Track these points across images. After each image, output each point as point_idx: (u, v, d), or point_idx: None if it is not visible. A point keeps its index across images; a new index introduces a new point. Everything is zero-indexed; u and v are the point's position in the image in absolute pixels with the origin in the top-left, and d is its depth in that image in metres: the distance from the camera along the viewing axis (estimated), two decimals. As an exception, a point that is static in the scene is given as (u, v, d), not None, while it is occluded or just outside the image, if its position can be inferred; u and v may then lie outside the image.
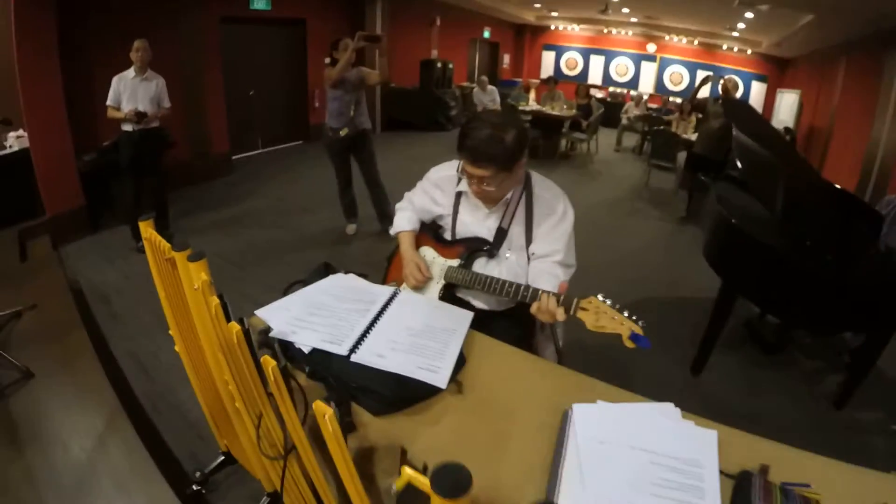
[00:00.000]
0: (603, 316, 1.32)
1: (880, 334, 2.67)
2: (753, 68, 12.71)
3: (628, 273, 4.47)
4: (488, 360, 1.39)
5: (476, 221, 1.73)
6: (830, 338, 3.49)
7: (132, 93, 3.87)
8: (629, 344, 1.28)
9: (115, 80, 3.85)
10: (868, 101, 6.47)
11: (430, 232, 1.86)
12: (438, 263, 1.75)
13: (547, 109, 8.99)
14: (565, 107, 9.16)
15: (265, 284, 3.65)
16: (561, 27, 15.20)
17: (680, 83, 14.08)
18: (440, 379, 1.21)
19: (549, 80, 9.90)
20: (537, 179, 1.70)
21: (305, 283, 1.59)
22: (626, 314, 1.31)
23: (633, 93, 13.79)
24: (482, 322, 1.56)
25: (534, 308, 1.40)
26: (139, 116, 3.83)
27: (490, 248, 1.69)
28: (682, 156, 7.07)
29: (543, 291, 1.41)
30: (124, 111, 3.82)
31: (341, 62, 3.97)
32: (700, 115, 6.75)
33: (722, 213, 2.82)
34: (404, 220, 1.86)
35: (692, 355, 3.08)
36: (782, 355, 3.36)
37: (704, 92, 6.23)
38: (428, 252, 1.80)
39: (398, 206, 1.94)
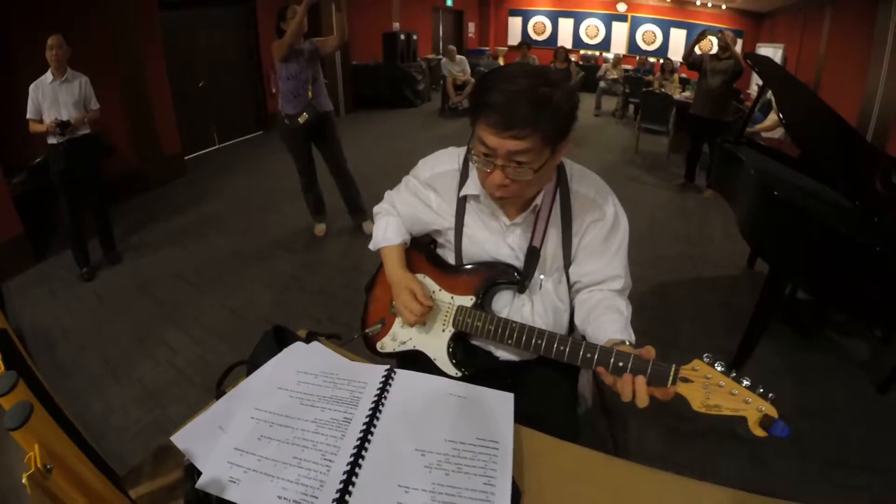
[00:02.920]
0: (716, 391, 0.86)
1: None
2: (728, 23, 12.22)
3: (642, 251, 4.04)
4: (551, 477, 0.91)
5: (492, 237, 1.22)
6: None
7: (53, 99, 3.23)
8: (758, 432, 0.83)
9: (31, 88, 3.20)
10: (860, 52, 6.10)
11: (423, 252, 1.35)
12: (444, 302, 1.24)
13: None
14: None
15: (227, 310, 3.14)
16: (526, -10, 14.49)
17: (653, 42, 13.60)
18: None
19: (521, 45, 9.32)
20: (574, 171, 1.20)
21: (250, 365, 1.08)
22: (747, 384, 0.84)
23: (606, 55, 13.32)
24: (508, 381, 1.10)
25: (611, 381, 0.94)
26: (62, 126, 3.20)
27: (520, 277, 1.19)
28: (674, 117, 6.66)
29: (620, 354, 0.94)
30: (46, 122, 3.21)
31: (291, 29, 3.34)
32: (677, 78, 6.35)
33: (772, 190, 2.43)
34: (389, 230, 1.33)
35: (727, 343, 2.72)
36: (821, 336, 3.01)
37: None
38: (426, 283, 1.28)
39: (377, 209, 1.42)
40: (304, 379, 1.02)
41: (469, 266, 1.25)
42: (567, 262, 1.19)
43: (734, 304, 3.32)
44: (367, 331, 1.35)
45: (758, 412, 0.83)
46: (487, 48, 14.66)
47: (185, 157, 6.02)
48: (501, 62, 9.83)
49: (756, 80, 8.80)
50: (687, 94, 7.35)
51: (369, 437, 0.88)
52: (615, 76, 10.42)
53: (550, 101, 0.94)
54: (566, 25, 14.44)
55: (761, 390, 0.84)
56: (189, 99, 6.19)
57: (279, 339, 1.13)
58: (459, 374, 1.18)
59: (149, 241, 4.11)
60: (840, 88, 6.59)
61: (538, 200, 1.14)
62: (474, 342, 1.28)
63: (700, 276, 3.80)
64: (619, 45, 13.92)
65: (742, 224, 2.72)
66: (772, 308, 2.53)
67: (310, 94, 3.56)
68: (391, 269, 1.29)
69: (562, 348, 1.01)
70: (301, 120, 3.57)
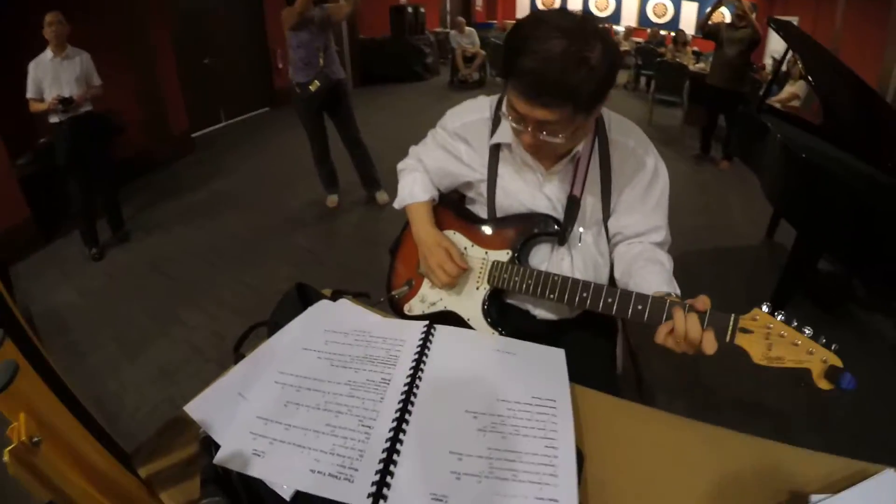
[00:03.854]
0: (779, 342, 0.79)
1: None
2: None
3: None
4: (608, 437, 0.84)
5: (528, 188, 1.14)
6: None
7: (54, 77, 3.16)
8: (824, 385, 0.77)
9: (31, 66, 3.13)
10: (877, 26, 5.89)
11: (451, 209, 1.27)
12: (476, 258, 1.16)
13: None
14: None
15: (242, 285, 3.08)
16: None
17: (664, 15, 13.25)
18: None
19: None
20: (613, 120, 1.12)
21: (271, 326, 1.00)
22: (809, 333, 0.78)
23: (616, 28, 13.03)
24: (545, 342, 1.01)
25: (662, 335, 0.85)
26: (64, 103, 3.13)
27: (560, 229, 1.12)
28: (687, 89, 6.50)
29: (673, 303, 0.86)
30: (47, 100, 3.14)
31: None
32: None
33: (800, 154, 2.39)
34: (416, 186, 1.25)
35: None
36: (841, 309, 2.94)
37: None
38: (456, 240, 1.20)
39: (402, 165, 1.35)
40: (333, 338, 0.94)
41: (503, 219, 1.17)
42: (606, 214, 1.13)
43: (755, 274, 3.25)
44: (393, 293, 1.28)
45: (822, 363, 0.77)
46: (495, 21, 14.38)
47: (193, 136, 5.94)
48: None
49: (772, 52, 8.58)
50: (701, 65, 7.17)
51: (412, 399, 0.80)
52: (626, 48, 10.19)
53: (587, 66, 0.85)
54: (576, -3, 14.11)
55: (824, 340, 0.78)
56: (195, 75, 6.06)
57: (303, 298, 1.06)
58: (496, 335, 1.10)
59: (160, 220, 4.05)
60: (856, 63, 6.32)
61: (578, 148, 1.05)
62: (510, 300, 1.21)
63: (719, 246, 3.71)
64: (629, 18, 13.59)
65: (769, 190, 2.66)
66: (798, 276, 2.47)
67: (321, 62, 3.45)
68: (420, 228, 1.21)
69: (609, 301, 0.93)
70: (312, 88, 3.47)
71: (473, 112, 1.19)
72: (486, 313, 1.12)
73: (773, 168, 2.61)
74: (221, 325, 2.73)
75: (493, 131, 1.14)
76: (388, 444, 0.72)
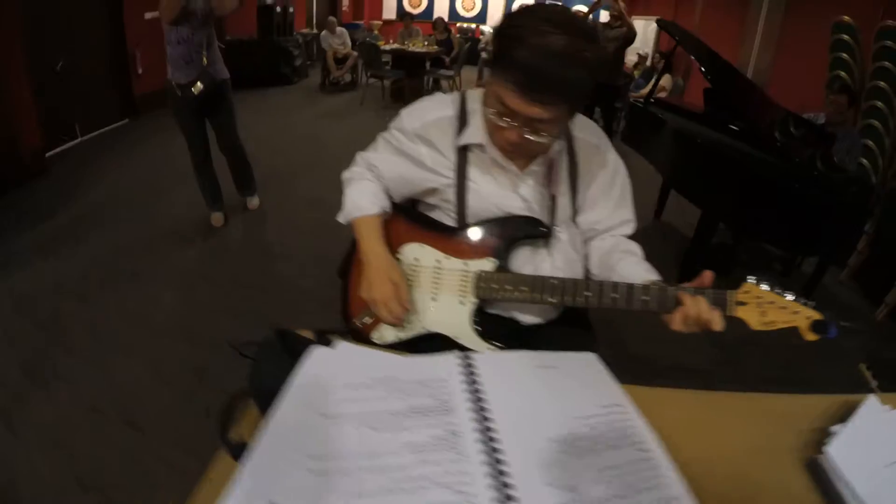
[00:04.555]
0: (769, 308, 0.89)
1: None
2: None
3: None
4: (661, 425, 0.81)
5: (502, 190, 1.09)
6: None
7: None
8: (811, 337, 0.87)
9: None
10: (733, 23, 6.60)
11: (410, 218, 1.18)
12: (454, 270, 1.08)
13: (409, 47, 8.34)
14: (426, 43, 8.62)
15: (125, 320, 2.71)
16: (403, -40, 14.21)
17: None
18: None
19: (403, 16, 9.18)
20: (575, 117, 1.12)
21: (260, 395, 0.78)
22: (791, 297, 0.88)
23: (483, 28, 13.49)
24: (535, 346, 0.98)
25: (678, 321, 0.88)
26: None
27: (547, 230, 1.09)
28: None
29: (679, 289, 0.90)
30: None
31: None
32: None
33: (695, 139, 2.79)
34: (363, 198, 1.14)
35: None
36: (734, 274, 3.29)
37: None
38: (423, 253, 1.11)
39: (348, 174, 1.21)
40: (358, 396, 0.76)
41: (480, 225, 1.10)
42: (573, 210, 1.14)
43: (654, 251, 3.51)
44: (355, 321, 1.16)
45: (807, 320, 0.87)
46: (362, 21, 14.27)
47: (47, 155, 5.15)
48: (377, 34, 9.62)
49: (639, 49, 9.36)
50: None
51: (495, 445, 0.68)
52: None
53: (585, 65, 0.86)
54: (443, -1, 14.40)
55: (804, 301, 0.88)
56: (45, 85, 5.16)
57: (288, 349, 0.85)
58: (492, 349, 1.05)
59: (14, 254, 3.43)
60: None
61: (556, 147, 1.05)
62: (491, 310, 1.14)
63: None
64: (496, 17, 14.08)
65: (670, 176, 2.92)
66: (701, 248, 2.74)
67: (205, 60, 3.14)
68: (368, 247, 1.10)
69: (614, 296, 0.94)
70: (195, 91, 3.14)
71: (434, 110, 1.12)
72: (478, 329, 1.07)
73: (672, 154, 2.87)
74: (111, 372, 2.33)
75: (459, 130, 1.09)
76: (501, 504, 0.60)
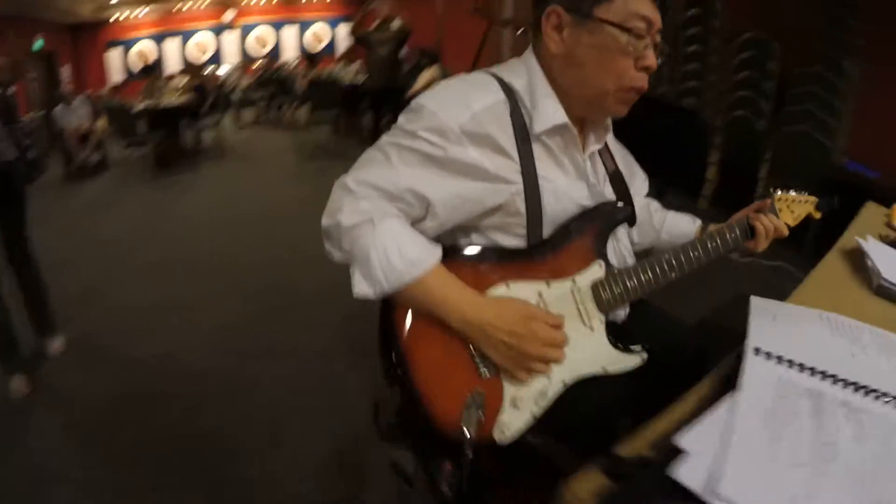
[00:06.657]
0: (794, 205, 1.09)
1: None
2: (337, 11, 13.07)
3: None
4: None
5: (573, 179, 0.92)
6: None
7: None
8: (818, 215, 1.11)
9: None
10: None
11: (463, 259, 0.87)
12: (563, 295, 0.87)
13: (164, 101, 7.37)
14: (179, 87, 7.84)
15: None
16: (124, 15, 12.56)
17: (266, 45, 13.51)
18: None
19: (146, 69, 8.22)
20: None
21: None
22: (794, 193, 1.10)
23: (220, 71, 12.55)
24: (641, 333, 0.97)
25: (763, 242, 1.03)
26: None
27: (632, 209, 0.98)
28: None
29: (749, 217, 1.04)
30: None
31: None
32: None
33: None
34: (405, 245, 0.79)
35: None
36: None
37: None
38: (516, 292, 0.85)
39: (351, 218, 0.81)
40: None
41: (562, 232, 0.89)
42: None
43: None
44: (464, 429, 0.81)
45: (812, 205, 1.10)
46: (88, 91, 12.43)
47: None
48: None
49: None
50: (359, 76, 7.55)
51: None
52: (246, 84, 10.34)
53: None
54: (173, 46, 13.18)
55: (804, 192, 1.10)
56: None
57: None
58: (645, 356, 0.90)
59: None
60: (461, 50, 7.11)
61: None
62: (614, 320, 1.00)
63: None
64: (231, 56, 13.45)
65: None
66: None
67: None
68: (465, 306, 0.80)
69: (714, 244, 0.98)
70: None
71: (481, 96, 0.84)
72: (618, 345, 0.89)
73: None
74: None
75: (515, 118, 0.84)
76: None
